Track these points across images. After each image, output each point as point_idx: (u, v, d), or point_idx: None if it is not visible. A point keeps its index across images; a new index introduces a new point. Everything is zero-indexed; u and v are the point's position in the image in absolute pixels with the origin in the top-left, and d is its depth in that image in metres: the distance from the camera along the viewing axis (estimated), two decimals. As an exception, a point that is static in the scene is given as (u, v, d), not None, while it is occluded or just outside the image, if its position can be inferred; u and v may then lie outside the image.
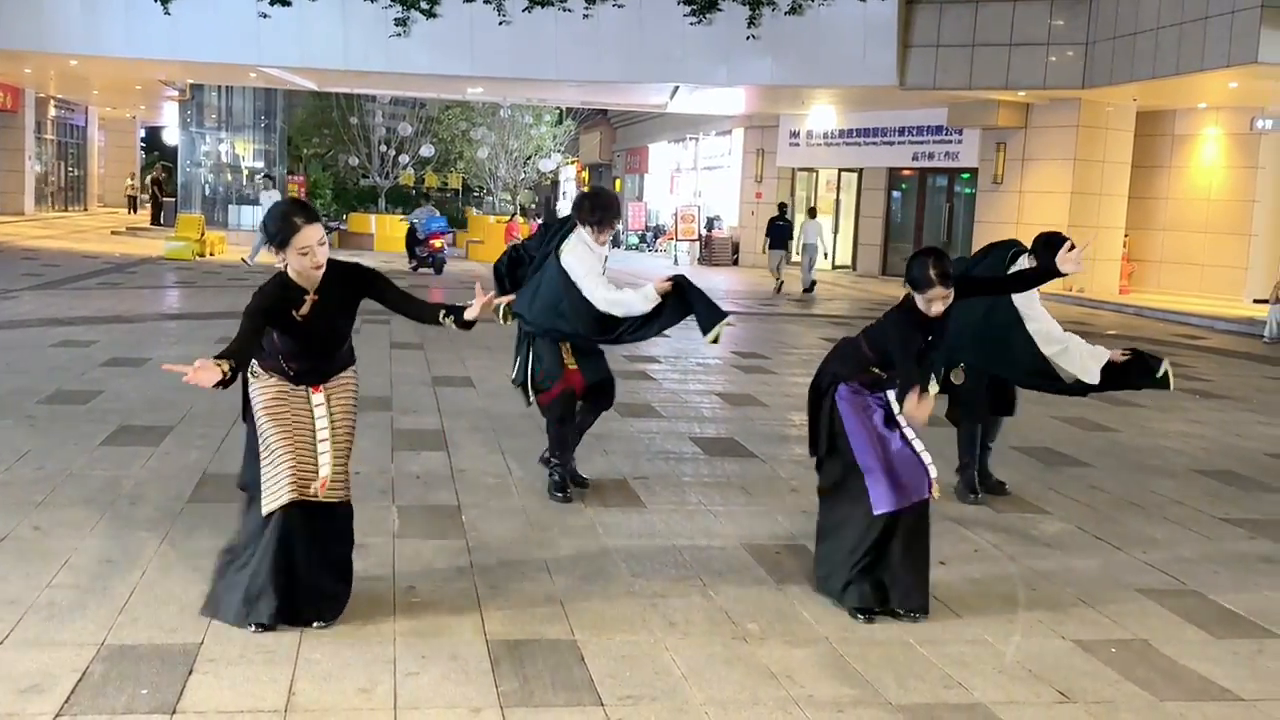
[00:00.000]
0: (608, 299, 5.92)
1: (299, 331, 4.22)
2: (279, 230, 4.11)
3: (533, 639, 4.25)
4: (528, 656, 4.09)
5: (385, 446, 7.24)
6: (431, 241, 23.57)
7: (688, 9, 21.41)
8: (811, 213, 24.28)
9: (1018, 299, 6.08)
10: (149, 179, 40.65)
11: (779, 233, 23.18)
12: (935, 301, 4.60)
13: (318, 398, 4.33)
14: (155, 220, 36.46)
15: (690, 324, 6.18)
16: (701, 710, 3.75)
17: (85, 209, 42.40)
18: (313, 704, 3.65)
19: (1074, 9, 21.04)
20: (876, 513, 4.59)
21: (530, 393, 6.26)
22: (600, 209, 6.06)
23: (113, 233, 30.92)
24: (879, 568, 4.64)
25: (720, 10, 21.41)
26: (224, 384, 3.86)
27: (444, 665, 3.98)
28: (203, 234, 24.86)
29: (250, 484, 4.34)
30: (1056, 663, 4.28)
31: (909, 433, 4.72)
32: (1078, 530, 6.12)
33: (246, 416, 4.38)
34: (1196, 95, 21.69)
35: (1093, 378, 6.03)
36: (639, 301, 5.92)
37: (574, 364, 6.16)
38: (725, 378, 10.92)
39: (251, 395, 4.30)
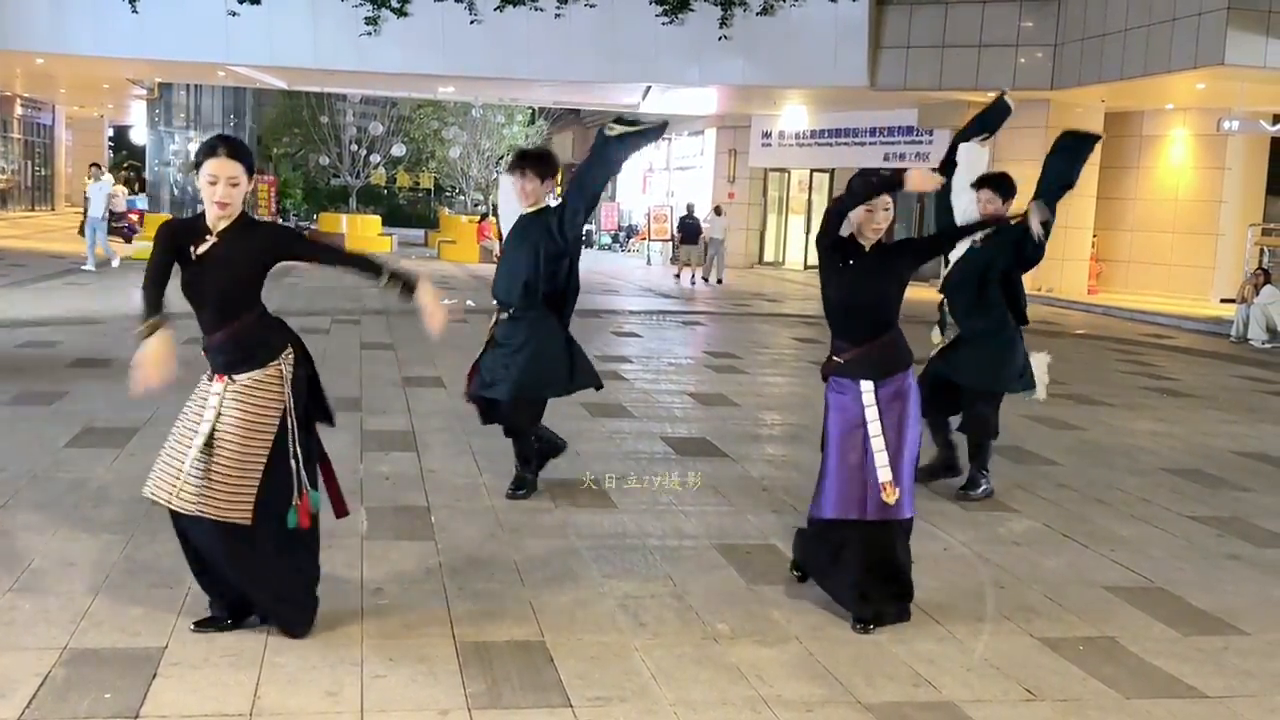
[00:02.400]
0: None
1: (195, 277, 3.97)
2: (198, 153, 4.05)
3: (501, 640, 4.23)
4: (496, 658, 4.07)
5: (354, 447, 7.19)
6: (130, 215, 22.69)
7: (659, 9, 21.42)
8: (718, 210, 25.96)
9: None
10: (118, 179, 40.22)
11: (688, 230, 25.07)
12: (877, 211, 4.42)
13: (215, 387, 4.01)
14: (123, 219, 36.11)
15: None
16: (671, 710, 3.74)
17: (53, 209, 42.02)
18: (278, 707, 3.62)
19: (1043, 10, 21.19)
20: (818, 516, 4.58)
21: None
22: (518, 156, 6.07)
23: (80, 232, 30.57)
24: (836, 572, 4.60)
25: (692, 10, 21.44)
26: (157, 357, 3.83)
27: (412, 667, 3.95)
28: None
29: None
30: (1024, 660, 4.30)
31: (875, 444, 4.50)
32: (1046, 528, 6.15)
33: None
34: (1164, 96, 21.88)
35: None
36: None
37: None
38: (697, 378, 10.92)
39: None
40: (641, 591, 4.84)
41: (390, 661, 3.99)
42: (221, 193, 3.94)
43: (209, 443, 3.96)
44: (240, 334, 4.02)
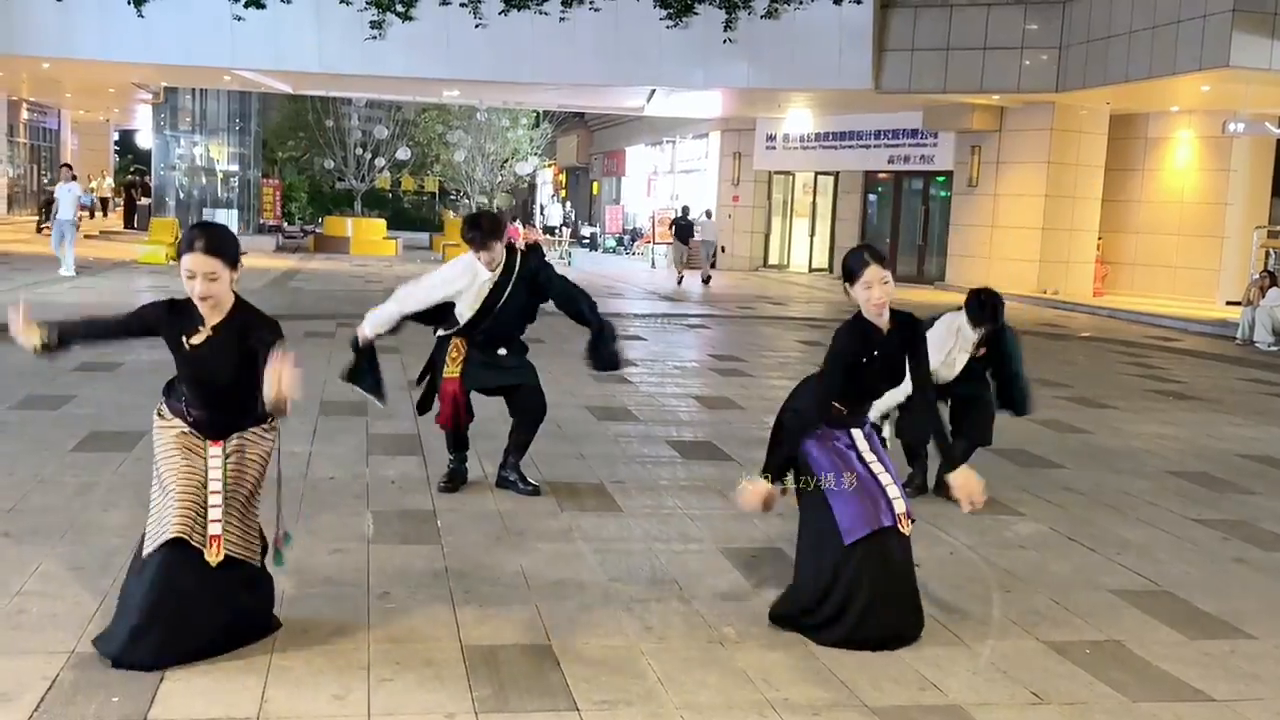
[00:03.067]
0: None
1: (189, 366, 3.98)
2: (179, 244, 4.05)
3: (508, 644, 4.23)
4: (503, 661, 4.07)
5: (360, 451, 7.21)
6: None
7: (664, 12, 21.44)
8: (708, 213, 27.77)
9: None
10: (122, 182, 40.33)
11: (681, 231, 25.65)
12: (874, 286, 4.32)
13: (214, 450, 4.02)
14: (129, 224, 36.22)
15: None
16: (677, 714, 3.74)
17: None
18: (285, 711, 3.62)
19: (1047, 13, 21.19)
20: (848, 541, 4.31)
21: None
22: (476, 230, 6.03)
23: (85, 236, 30.65)
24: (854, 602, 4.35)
25: (696, 14, 21.45)
26: (37, 348, 3.94)
27: (418, 671, 3.96)
28: (177, 238, 24.70)
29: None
30: (1030, 664, 4.29)
31: (873, 464, 4.46)
32: (1051, 532, 6.14)
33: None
34: (1169, 99, 21.87)
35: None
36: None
37: (455, 372, 6.19)
38: (702, 381, 10.92)
39: (154, 438, 4.09)
40: (647, 595, 4.84)
41: (397, 665, 3.99)
42: (200, 288, 3.89)
43: (226, 498, 4.00)
44: (247, 413, 4.06)
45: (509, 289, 6.09)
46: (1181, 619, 4.87)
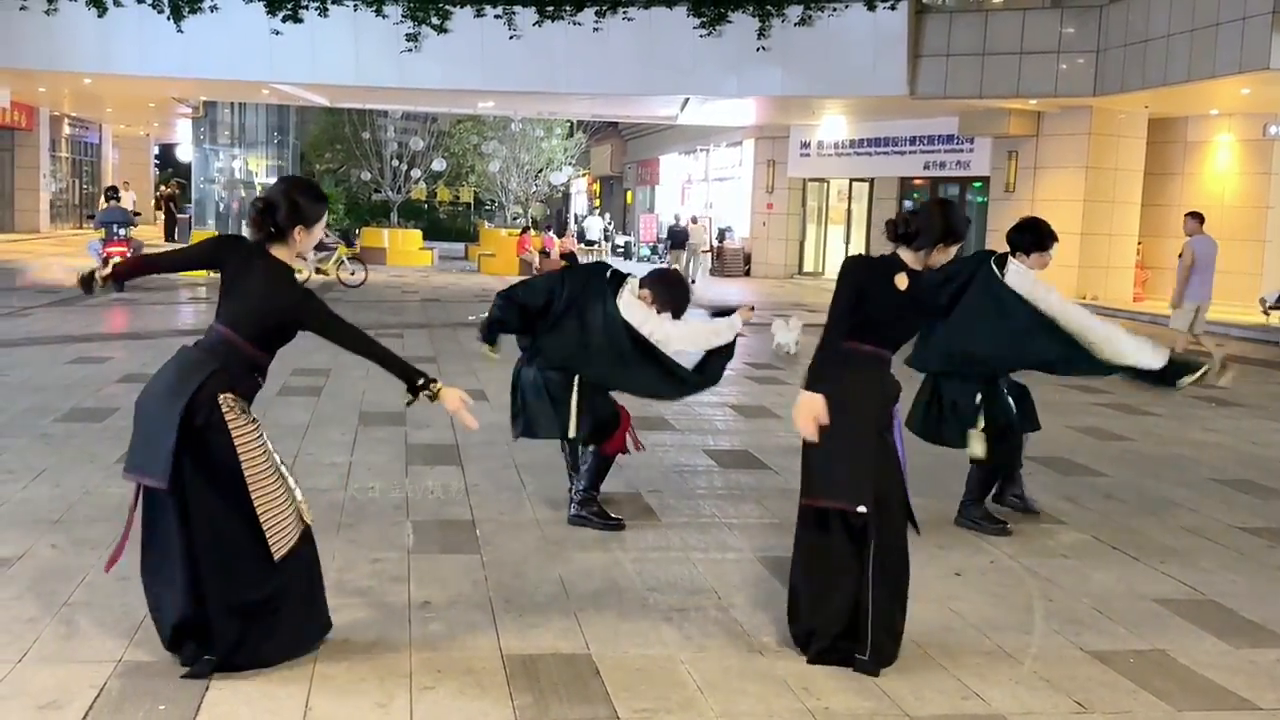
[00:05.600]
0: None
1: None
2: (319, 206, 4.07)
3: (548, 653, 4.25)
4: (543, 670, 4.09)
5: (399, 461, 7.26)
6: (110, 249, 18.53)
7: (697, 21, 21.46)
8: (694, 219, 29.49)
9: (1022, 291, 5.92)
10: (164, 194, 40.77)
11: (677, 237, 27.84)
12: (950, 250, 4.41)
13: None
14: (169, 236, 36.65)
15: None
16: (717, 724, 3.74)
17: (100, 226, 42.58)
18: (330, 719, 3.66)
19: (1084, 16, 21.02)
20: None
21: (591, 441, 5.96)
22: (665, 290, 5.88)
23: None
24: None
25: (730, 22, 21.45)
26: (88, 282, 4.02)
27: (460, 680, 3.98)
28: None
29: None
30: (1073, 673, 4.26)
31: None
32: (1094, 540, 6.09)
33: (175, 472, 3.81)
34: (1208, 102, 21.63)
35: (1153, 362, 5.72)
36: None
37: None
38: (739, 389, 10.91)
39: (236, 438, 3.84)
40: (686, 604, 4.85)
41: (438, 673, 4.02)
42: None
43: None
44: None
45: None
46: (1227, 628, 4.82)
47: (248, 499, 3.84)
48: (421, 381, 4.10)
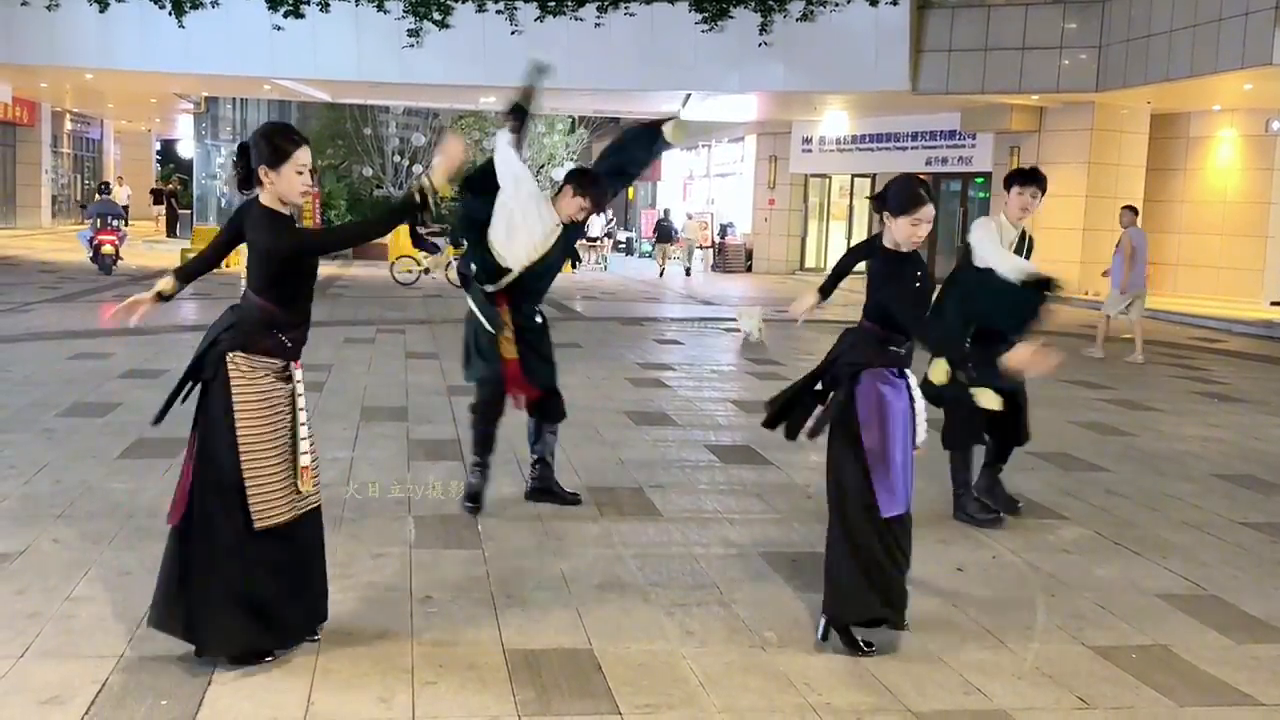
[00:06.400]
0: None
1: (311, 278, 4.08)
2: (281, 145, 3.95)
3: (550, 648, 4.25)
4: (545, 665, 4.09)
5: (401, 456, 7.26)
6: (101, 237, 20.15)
7: (699, 16, 21.46)
8: (689, 215, 31.47)
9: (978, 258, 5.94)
10: (160, 189, 40.74)
11: (663, 230, 29.05)
12: (923, 225, 4.28)
13: (298, 373, 4.08)
14: (170, 232, 36.65)
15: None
16: (719, 718, 3.74)
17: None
18: (331, 714, 3.66)
19: (1086, 12, 21.00)
20: (885, 515, 4.27)
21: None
22: (583, 173, 6.20)
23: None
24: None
25: (732, 17, 21.46)
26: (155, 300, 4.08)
27: (461, 675, 3.98)
28: None
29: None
30: (1076, 669, 4.26)
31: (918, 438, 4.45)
32: (1096, 536, 6.09)
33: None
34: (1211, 97, 21.61)
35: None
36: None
37: (514, 353, 5.89)
38: (740, 384, 10.91)
39: (235, 398, 3.87)
40: (688, 599, 4.85)
41: (440, 668, 4.02)
42: (308, 182, 4.02)
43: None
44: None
45: (564, 243, 6.02)
46: (1229, 623, 4.81)
47: (237, 460, 3.87)
48: (419, 198, 4.04)
